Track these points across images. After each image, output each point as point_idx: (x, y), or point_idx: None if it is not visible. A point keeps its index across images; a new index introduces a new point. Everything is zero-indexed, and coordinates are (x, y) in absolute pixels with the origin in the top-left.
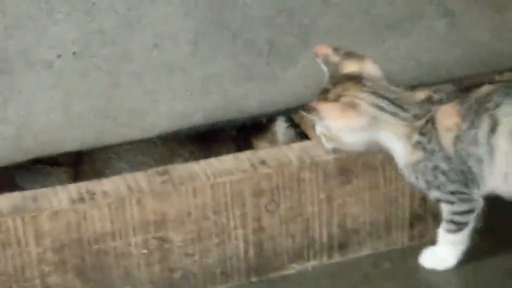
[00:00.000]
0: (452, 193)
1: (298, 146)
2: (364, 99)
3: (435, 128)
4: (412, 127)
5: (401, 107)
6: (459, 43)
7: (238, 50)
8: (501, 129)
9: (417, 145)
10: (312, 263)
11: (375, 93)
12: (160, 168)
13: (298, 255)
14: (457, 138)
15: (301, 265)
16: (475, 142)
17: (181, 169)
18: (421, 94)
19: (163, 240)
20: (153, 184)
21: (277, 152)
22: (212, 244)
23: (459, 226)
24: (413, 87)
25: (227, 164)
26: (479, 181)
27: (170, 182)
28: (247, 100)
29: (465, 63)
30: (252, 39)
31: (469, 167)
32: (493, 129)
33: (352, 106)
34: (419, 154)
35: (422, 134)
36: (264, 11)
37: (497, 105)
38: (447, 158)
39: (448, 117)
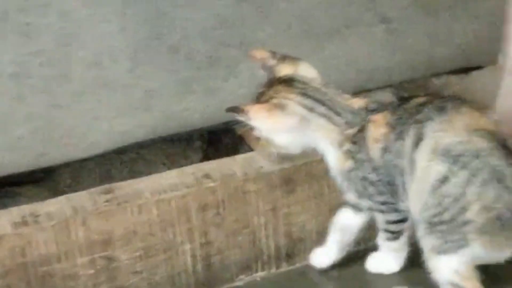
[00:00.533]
0: (382, 203)
1: (241, 158)
2: (293, 100)
3: (365, 138)
4: (344, 135)
5: (334, 110)
6: (397, 49)
7: (178, 64)
8: (424, 144)
9: (348, 153)
10: (260, 274)
11: (305, 94)
12: (104, 187)
13: (246, 267)
14: (385, 149)
15: (250, 276)
16: (400, 153)
17: (126, 187)
18: (358, 101)
19: (110, 259)
20: (98, 203)
21: (221, 165)
22: (159, 260)
23: (394, 235)
24: (355, 94)
25: (171, 180)
26: (402, 194)
27: (115, 200)
28: (189, 113)
29: (404, 68)
30: (191, 53)
31: (394, 179)
32: (417, 142)
33: (280, 106)
34: (349, 163)
35: (353, 143)
36: (202, 24)
37: (427, 119)
38: (375, 169)
39: (377, 127)
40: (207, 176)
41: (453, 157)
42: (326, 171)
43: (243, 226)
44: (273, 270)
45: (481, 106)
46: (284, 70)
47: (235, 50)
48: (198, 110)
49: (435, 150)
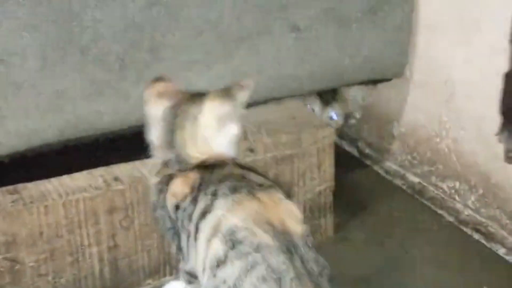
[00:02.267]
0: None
1: (151, 161)
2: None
3: (166, 188)
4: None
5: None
6: (307, 58)
7: (89, 65)
8: (210, 217)
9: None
10: (168, 279)
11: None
12: (10, 187)
13: (154, 271)
14: (177, 207)
15: (157, 280)
16: (191, 217)
17: (32, 188)
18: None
19: (14, 261)
20: (3, 204)
21: (130, 168)
22: (66, 263)
23: (189, 280)
24: (265, 102)
25: (80, 181)
26: (184, 256)
27: (21, 201)
28: (99, 116)
29: (313, 76)
30: (102, 55)
31: (180, 238)
32: (204, 213)
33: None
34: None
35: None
36: (113, 27)
37: (221, 194)
38: (169, 218)
39: (181, 184)
40: (116, 178)
41: (232, 242)
42: None
43: (152, 230)
44: None
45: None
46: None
47: (146, 54)
48: (108, 113)
49: (217, 228)
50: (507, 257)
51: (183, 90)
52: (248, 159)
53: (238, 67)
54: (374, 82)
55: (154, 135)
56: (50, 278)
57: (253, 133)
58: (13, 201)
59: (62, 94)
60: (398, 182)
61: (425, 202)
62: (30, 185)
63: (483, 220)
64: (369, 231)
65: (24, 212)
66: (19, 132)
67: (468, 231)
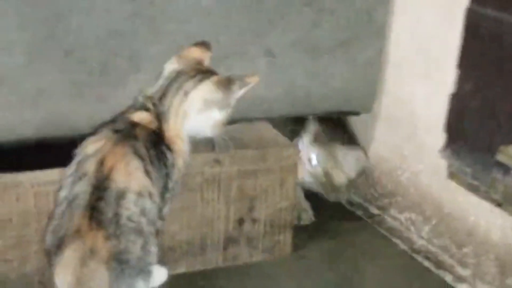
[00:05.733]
0: None
1: None
2: None
3: None
4: None
5: None
6: (278, 82)
7: (70, 67)
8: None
9: None
10: None
11: None
12: None
13: None
14: None
15: None
16: None
17: (6, 177)
18: None
19: None
20: None
21: None
22: (31, 251)
23: None
24: (234, 122)
25: (52, 176)
26: None
27: None
28: (76, 116)
29: (283, 101)
30: (84, 58)
31: None
32: None
33: None
34: None
35: None
36: (96, 33)
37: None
38: None
39: None
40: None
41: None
42: (201, 185)
43: None
44: None
45: None
46: None
47: (126, 62)
48: (86, 115)
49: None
50: (453, 284)
51: (203, 62)
52: (214, 170)
53: None
54: (343, 114)
55: (152, 86)
56: (15, 264)
57: (220, 145)
58: None
59: (43, 92)
60: (359, 213)
61: (383, 231)
62: (4, 175)
63: (434, 249)
64: (325, 253)
65: None
66: None
67: (419, 258)
